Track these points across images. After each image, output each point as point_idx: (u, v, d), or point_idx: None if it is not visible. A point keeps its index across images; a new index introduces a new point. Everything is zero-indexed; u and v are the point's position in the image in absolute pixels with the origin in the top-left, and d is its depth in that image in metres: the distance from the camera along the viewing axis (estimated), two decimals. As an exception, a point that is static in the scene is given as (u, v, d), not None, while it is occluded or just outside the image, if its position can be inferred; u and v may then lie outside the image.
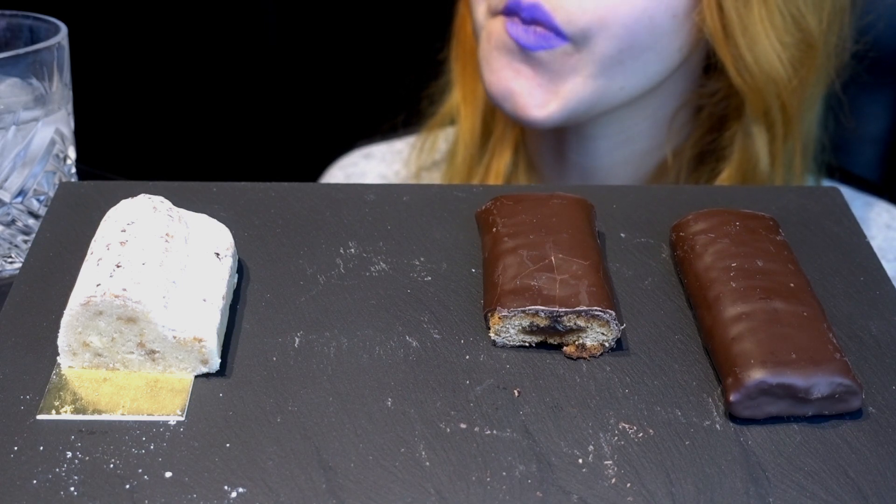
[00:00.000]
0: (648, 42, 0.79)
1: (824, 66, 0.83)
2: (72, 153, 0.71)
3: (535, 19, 0.78)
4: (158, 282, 0.50)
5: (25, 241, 0.69)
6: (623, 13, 0.77)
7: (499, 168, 0.93)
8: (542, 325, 0.51)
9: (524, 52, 0.79)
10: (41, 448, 0.46)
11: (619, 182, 0.89)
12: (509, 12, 0.79)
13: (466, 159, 0.94)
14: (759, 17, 0.78)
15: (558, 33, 0.78)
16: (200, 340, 0.49)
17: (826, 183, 0.91)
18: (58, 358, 0.50)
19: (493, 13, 0.81)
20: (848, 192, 0.92)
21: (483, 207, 0.59)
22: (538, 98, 0.80)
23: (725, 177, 0.85)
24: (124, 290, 0.48)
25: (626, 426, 0.48)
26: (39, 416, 0.48)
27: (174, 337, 0.49)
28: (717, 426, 0.48)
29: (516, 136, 0.93)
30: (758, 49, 0.79)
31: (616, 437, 0.47)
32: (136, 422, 0.47)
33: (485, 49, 0.83)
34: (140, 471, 0.45)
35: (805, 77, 0.82)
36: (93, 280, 0.49)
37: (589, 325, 0.51)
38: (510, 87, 0.81)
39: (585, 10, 0.77)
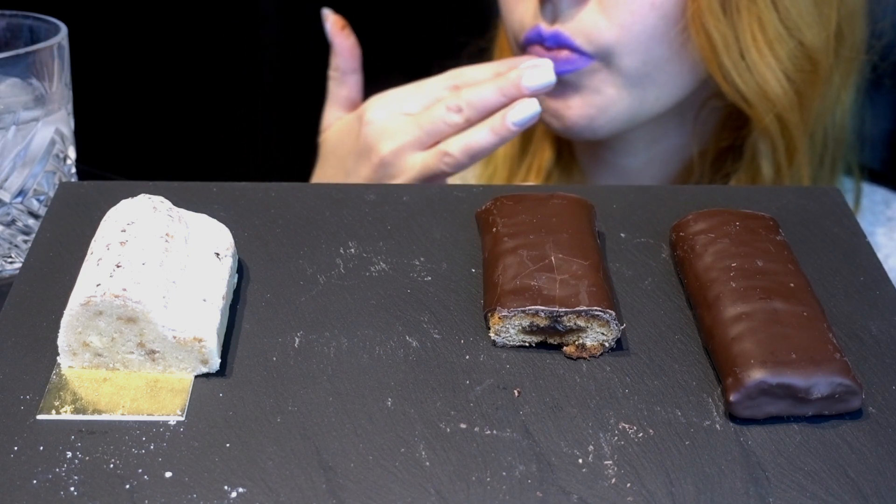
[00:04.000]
0: (668, 54, 0.80)
1: (837, 75, 0.83)
2: (72, 153, 0.71)
3: (558, 45, 0.80)
4: (158, 282, 0.50)
5: (25, 241, 0.69)
6: (637, 30, 0.78)
7: (540, 164, 0.93)
8: (542, 325, 0.51)
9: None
10: (41, 448, 0.46)
11: (651, 179, 0.90)
12: (532, 42, 0.81)
13: (509, 155, 0.95)
14: (751, 33, 0.78)
15: (583, 54, 0.80)
16: (200, 340, 0.49)
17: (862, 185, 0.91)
18: (58, 358, 0.50)
19: (520, 45, 0.83)
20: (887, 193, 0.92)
21: (483, 207, 0.59)
22: (580, 114, 0.82)
23: (735, 181, 0.86)
24: (124, 290, 0.48)
25: (626, 426, 0.48)
26: (39, 416, 0.48)
27: (174, 337, 0.49)
28: (717, 426, 0.48)
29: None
30: (749, 66, 0.79)
31: (616, 437, 0.47)
32: (136, 422, 0.47)
33: None
34: (140, 471, 0.45)
35: (806, 91, 0.81)
36: (93, 280, 0.49)
37: (589, 325, 0.51)
38: (550, 109, 0.83)
39: (601, 29, 0.79)
